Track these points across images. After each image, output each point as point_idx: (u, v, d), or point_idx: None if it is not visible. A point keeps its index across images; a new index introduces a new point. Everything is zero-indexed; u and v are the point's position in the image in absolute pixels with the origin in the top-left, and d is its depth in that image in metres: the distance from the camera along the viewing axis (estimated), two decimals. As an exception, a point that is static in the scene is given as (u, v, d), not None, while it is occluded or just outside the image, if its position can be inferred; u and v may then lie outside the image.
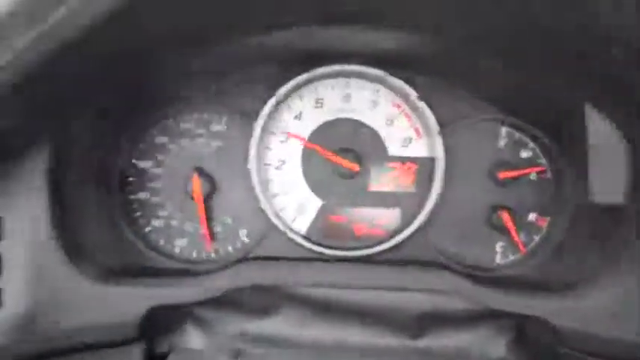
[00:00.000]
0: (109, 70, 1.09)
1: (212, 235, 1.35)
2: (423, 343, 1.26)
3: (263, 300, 1.26)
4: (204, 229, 1.33)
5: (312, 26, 1.16)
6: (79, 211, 1.20)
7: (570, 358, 1.16)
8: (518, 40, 1.06)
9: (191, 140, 1.35)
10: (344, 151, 1.32)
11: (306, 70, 1.28)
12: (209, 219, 1.35)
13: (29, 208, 1.08)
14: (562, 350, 1.17)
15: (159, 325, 1.24)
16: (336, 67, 1.28)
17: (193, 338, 1.27)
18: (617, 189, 1.07)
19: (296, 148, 1.34)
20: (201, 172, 1.32)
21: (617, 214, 1.16)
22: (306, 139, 1.34)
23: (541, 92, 1.26)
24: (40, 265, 1.09)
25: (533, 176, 1.35)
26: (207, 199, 1.33)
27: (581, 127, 1.20)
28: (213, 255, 1.36)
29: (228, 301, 1.23)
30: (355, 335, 1.26)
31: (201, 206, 1.32)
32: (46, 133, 1.07)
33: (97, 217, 1.27)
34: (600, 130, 1.06)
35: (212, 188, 1.33)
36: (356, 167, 1.31)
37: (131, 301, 1.15)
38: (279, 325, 1.26)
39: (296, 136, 1.33)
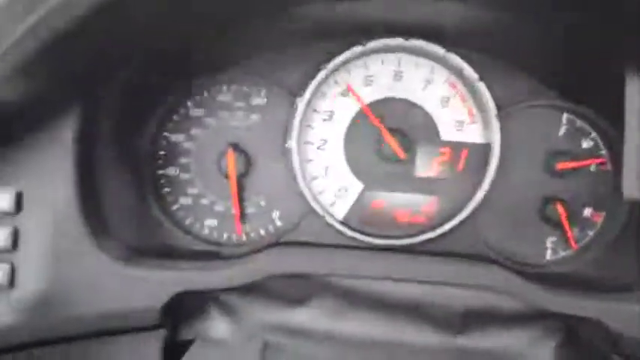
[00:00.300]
0: (140, 42, 1.00)
1: (243, 217, 1.26)
2: (465, 341, 1.19)
3: (295, 288, 1.18)
4: (235, 210, 1.24)
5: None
6: (105, 185, 1.11)
7: None
8: (584, 17, 0.96)
9: (228, 114, 1.24)
10: (392, 131, 1.22)
11: (355, 44, 1.17)
12: (241, 199, 1.26)
13: (52, 181, 1.00)
14: (616, 357, 1.10)
15: (183, 310, 1.16)
16: (392, 41, 1.17)
17: (219, 326, 1.19)
18: None
19: (339, 128, 1.24)
20: (236, 148, 1.22)
21: None
22: (352, 118, 1.24)
23: (605, 76, 1.16)
24: (61, 242, 1.01)
25: (592, 168, 1.26)
26: (241, 177, 1.23)
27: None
28: (244, 238, 1.27)
29: (257, 288, 1.15)
30: (393, 330, 1.18)
31: (234, 185, 1.22)
32: (74, 103, 0.98)
33: (124, 192, 1.18)
34: None
35: (247, 166, 1.23)
36: (402, 154, 1.21)
37: (155, 285, 1.06)
38: (311, 316, 1.18)
39: (356, 95, 1.22)
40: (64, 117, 0.97)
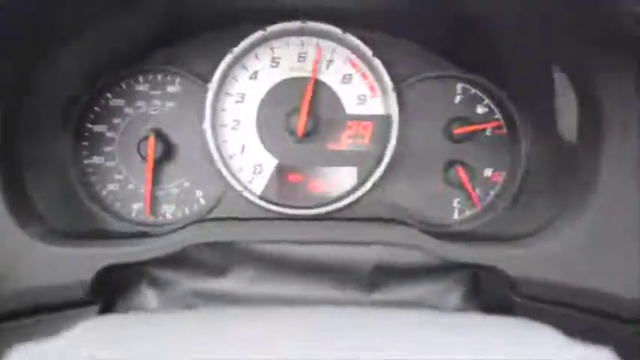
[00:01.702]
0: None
1: (152, 199, 1.34)
2: (377, 296, 1.27)
3: (219, 259, 1.25)
4: (147, 192, 1.31)
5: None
6: (29, 173, 1.18)
7: (524, 307, 1.18)
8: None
9: (146, 103, 1.33)
10: (299, 110, 1.30)
11: (260, 28, 1.27)
12: (164, 181, 1.34)
13: None
14: (517, 299, 1.18)
15: (114, 287, 1.22)
16: (292, 25, 1.27)
17: (149, 298, 1.26)
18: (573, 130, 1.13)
19: (251, 109, 1.33)
20: (157, 133, 1.30)
21: (569, 164, 1.18)
22: (261, 99, 1.33)
23: (496, 46, 1.27)
24: None
25: (488, 132, 1.36)
26: (162, 161, 1.32)
27: (536, 82, 1.22)
28: (169, 216, 1.35)
29: (183, 261, 1.22)
30: (310, 291, 1.26)
31: (149, 168, 1.30)
32: None
33: (51, 180, 1.25)
34: (565, 88, 1.12)
35: (167, 150, 1.31)
36: (301, 131, 1.30)
37: (82, 261, 1.13)
38: (234, 283, 1.26)
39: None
40: None
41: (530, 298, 1.17)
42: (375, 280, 1.26)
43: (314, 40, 1.32)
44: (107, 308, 1.21)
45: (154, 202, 1.34)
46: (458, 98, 1.36)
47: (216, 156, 1.29)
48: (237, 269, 1.25)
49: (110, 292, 1.22)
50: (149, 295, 1.25)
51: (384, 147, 1.32)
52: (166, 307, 1.24)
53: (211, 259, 1.25)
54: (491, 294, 1.25)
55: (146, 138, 1.29)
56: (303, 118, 1.29)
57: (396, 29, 1.32)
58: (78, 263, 1.13)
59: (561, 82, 1.15)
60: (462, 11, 1.20)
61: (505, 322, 0.89)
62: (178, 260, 1.20)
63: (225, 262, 1.25)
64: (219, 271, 1.26)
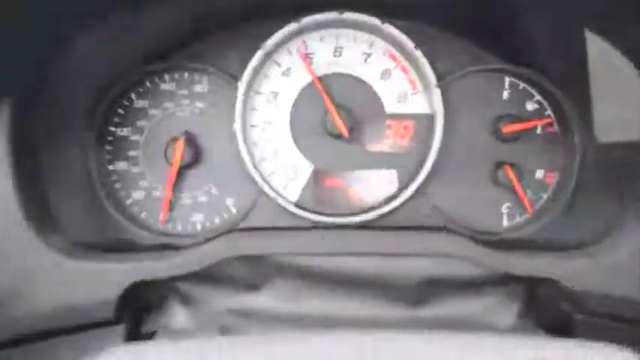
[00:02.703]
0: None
1: (176, 208, 1.25)
2: (425, 312, 1.18)
3: (253, 273, 1.17)
4: (165, 198, 1.23)
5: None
6: (50, 182, 1.10)
7: (586, 324, 1.08)
8: None
9: (173, 103, 1.23)
10: (337, 108, 1.21)
11: (294, 20, 1.17)
12: (191, 188, 1.25)
13: None
14: (577, 316, 1.09)
15: (143, 303, 1.15)
16: (327, 16, 1.17)
17: (180, 316, 1.18)
18: (629, 123, 0.98)
19: (284, 108, 1.24)
20: (187, 136, 1.21)
21: (630, 163, 1.07)
22: (295, 97, 1.23)
23: (548, 36, 1.16)
24: (6, 240, 0.99)
25: (539, 130, 1.25)
26: (189, 166, 1.23)
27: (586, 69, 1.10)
28: (199, 226, 1.25)
29: (215, 276, 1.14)
30: (352, 307, 1.17)
31: (173, 172, 1.20)
32: (8, 96, 0.97)
33: (72, 188, 1.17)
34: (603, 57, 0.95)
35: (195, 154, 1.22)
36: (345, 132, 1.20)
37: (108, 277, 1.05)
38: (270, 299, 1.17)
39: (306, 62, 1.22)
40: None
41: (592, 314, 1.08)
42: (422, 295, 1.16)
43: (352, 32, 1.22)
44: (134, 328, 1.13)
45: (181, 210, 1.25)
46: (506, 94, 1.25)
47: (246, 159, 1.19)
48: (272, 284, 1.17)
49: (137, 309, 1.14)
50: (179, 314, 1.17)
51: (427, 148, 1.22)
52: (198, 326, 1.16)
53: (243, 273, 1.16)
54: (550, 310, 1.15)
55: (173, 141, 1.20)
56: (334, 118, 1.20)
57: (437, 19, 1.22)
58: (103, 280, 1.05)
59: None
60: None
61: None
62: (209, 274, 1.12)
63: (259, 277, 1.17)
64: (252, 286, 1.17)
